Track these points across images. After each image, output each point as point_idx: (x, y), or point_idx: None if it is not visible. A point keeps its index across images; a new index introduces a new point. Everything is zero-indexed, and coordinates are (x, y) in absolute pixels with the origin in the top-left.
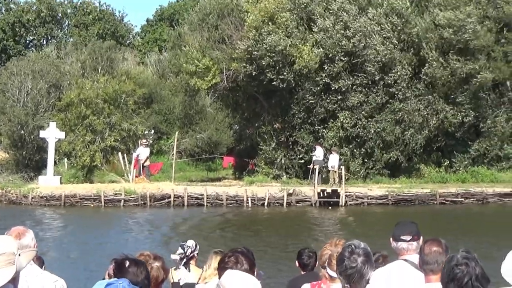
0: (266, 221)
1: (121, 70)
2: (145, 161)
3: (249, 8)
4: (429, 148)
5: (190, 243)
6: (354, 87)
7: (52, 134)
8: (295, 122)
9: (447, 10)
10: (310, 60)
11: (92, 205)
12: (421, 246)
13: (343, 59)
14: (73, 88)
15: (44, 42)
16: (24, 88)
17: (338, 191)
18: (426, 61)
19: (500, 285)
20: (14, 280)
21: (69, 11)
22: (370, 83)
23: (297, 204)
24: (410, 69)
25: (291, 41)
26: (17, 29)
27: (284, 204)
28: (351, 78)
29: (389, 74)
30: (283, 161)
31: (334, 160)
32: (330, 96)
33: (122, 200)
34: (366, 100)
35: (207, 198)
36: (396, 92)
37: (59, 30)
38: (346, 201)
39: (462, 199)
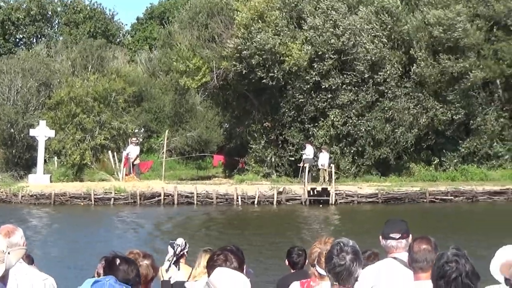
0: (255, 219)
1: (111, 68)
2: (135, 159)
3: (239, 7)
4: (419, 146)
5: (180, 241)
6: (344, 85)
7: (42, 132)
8: (285, 121)
9: (438, 9)
10: (300, 58)
11: (82, 204)
12: (410, 244)
13: (333, 57)
14: (63, 87)
15: (34, 40)
16: (14, 86)
17: (328, 189)
18: (415, 61)
19: (489, 283)
20: (4, 278)
21: (59, 9)
22: (360, 81)
23: (287, 203)
24: (400, 68)
25: (281, 39)
26: (6, 27)
27: (274, 202)
28: (341, 77)
29: (379, 73)
30: (273, 160)
31: (324, 158)
32: (320, 94)
33: (112, 199)
34: (356, 98)
35: (197, 196)
36: (386, 91)
37: (49, 29)
38: (336, 200)
39: (452, 198)
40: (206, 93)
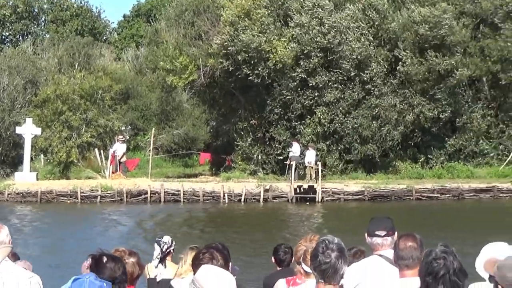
0: (241, 217)
1: (98, 66)
2: (121, 157)
3: (226, 4)
4: (406, 144)
5: (166, 239)
6: (331, 83)
7: (28, 130)
8: (272, 118)
9: (424, 6)
10: (284, 56)
11: (68, 202)
12: (396, 241)
13: (319, 55)
14: (50, 84)
15: (20, 37)
16: (0, 84)
17: (315, 187)
18: (402, 58)
19: (475, 280)
20: None
21: (45, 6)
22: (346, 79)
23: (274, 200)
24: (386, 66)
25: (266, 37)
26: None
27: (261, 200)
28: (327, 74)
29: (365, 71)
30: (259, 157)
31: (310, 156)
32: (307, 92)
33: (99, 196)
34: (342, 96)
35: (183, 194)
36: (372, 89)
37: (35, 26)
38: (322, 197)
39: (438, 195)
40: (193, 91)
